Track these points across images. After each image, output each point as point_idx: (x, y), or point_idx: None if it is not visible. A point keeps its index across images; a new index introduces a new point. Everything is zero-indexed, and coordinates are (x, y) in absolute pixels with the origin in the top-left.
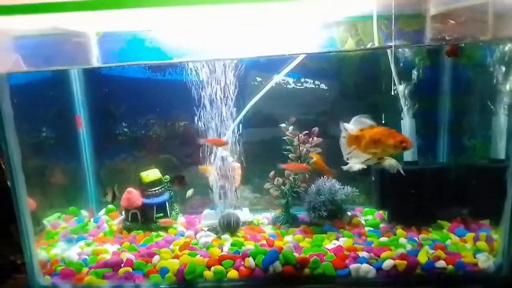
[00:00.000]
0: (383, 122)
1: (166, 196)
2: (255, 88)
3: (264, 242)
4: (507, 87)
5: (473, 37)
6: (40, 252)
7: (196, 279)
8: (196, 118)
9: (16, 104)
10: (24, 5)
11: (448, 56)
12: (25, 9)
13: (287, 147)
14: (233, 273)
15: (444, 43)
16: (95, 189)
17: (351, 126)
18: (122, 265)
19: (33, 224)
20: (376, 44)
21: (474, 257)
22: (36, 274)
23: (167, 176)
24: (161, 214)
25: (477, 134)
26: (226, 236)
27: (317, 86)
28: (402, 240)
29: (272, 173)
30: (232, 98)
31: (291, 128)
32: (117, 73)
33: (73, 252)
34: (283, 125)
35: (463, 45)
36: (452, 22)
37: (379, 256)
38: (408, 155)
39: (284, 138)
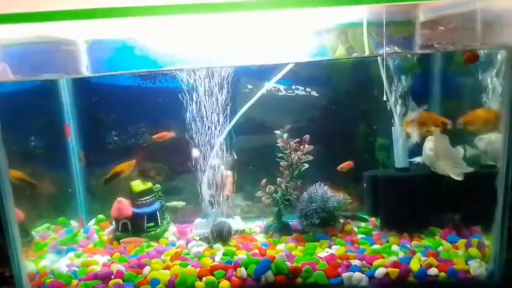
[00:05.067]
0: (374, 127)
1: (157, 205)
2: (246, 95)
3: (257, 251)
4: (496, 92)
5: (462, 44)
6: (29, 264)
7: None
8: (186, 126)
9: (3, 113)
10: (13, 14)
11: (465, 63)
12: (14, 19)
13: (279, 155)
14: (225, 284)
15: (432, 50)
16: (85, 199)
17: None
18: (112, 276)
19: (21, 235)
20: (367, 51)
21: (466, 264)
22: (25, 286)
23: (157, 186)
24: (152, 224)
25: (468, 140)
26: (218, 245)
27: (308, 93)
28: (395, 247)
29: (264, 181)
30: (222, 106)
31: (285, 135)
32: (107, 80)
33: (63, 264)
34: (278, 132)
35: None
36: (442, 29)
37: (371, 264)
38: (400, 162)
39: (278, 145)
